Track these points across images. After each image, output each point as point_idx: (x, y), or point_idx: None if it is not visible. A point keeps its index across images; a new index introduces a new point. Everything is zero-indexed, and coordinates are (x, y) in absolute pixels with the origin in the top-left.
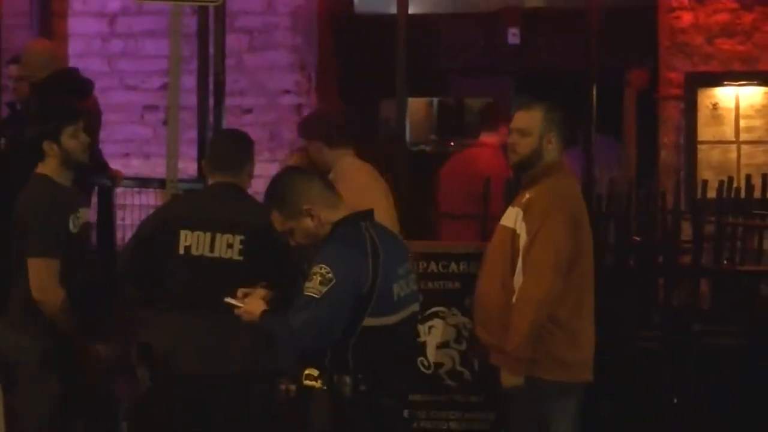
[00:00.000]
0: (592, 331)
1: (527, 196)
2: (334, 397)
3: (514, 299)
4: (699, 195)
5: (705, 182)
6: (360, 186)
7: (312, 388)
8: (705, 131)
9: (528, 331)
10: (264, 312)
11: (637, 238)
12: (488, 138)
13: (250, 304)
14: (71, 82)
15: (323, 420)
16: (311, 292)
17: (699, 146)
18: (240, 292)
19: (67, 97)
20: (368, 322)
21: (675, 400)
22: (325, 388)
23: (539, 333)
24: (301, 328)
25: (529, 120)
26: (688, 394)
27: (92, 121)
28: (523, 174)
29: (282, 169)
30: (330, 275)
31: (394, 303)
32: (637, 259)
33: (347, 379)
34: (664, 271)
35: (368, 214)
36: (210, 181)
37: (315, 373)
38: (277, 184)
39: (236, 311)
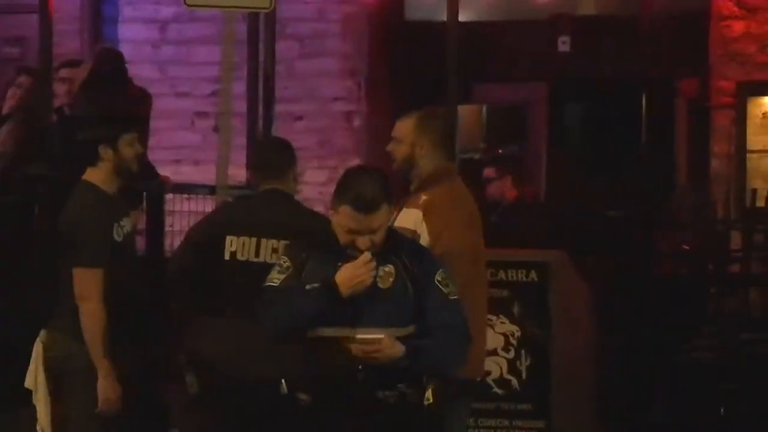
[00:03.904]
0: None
1: (424, 198)
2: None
3: None
4: (749, 204)
5: (754, 191)
6: None
7: None
8: (755, 140)
9: None
10: None
11: (687, 247)
12: None
13: None
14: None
15: None
16: None
17: (749, 155)
18: None
19: (117, 91)
20: None
21: (722, 411)
22: None
23: None
24: None
25: (402, 129)
26: (738, 402)
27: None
28: (410, 178)
29: None
30: None
31: None
32: (688, 268)
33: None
34: (715, 280)
35: None
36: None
37: None
38: None
39: None
